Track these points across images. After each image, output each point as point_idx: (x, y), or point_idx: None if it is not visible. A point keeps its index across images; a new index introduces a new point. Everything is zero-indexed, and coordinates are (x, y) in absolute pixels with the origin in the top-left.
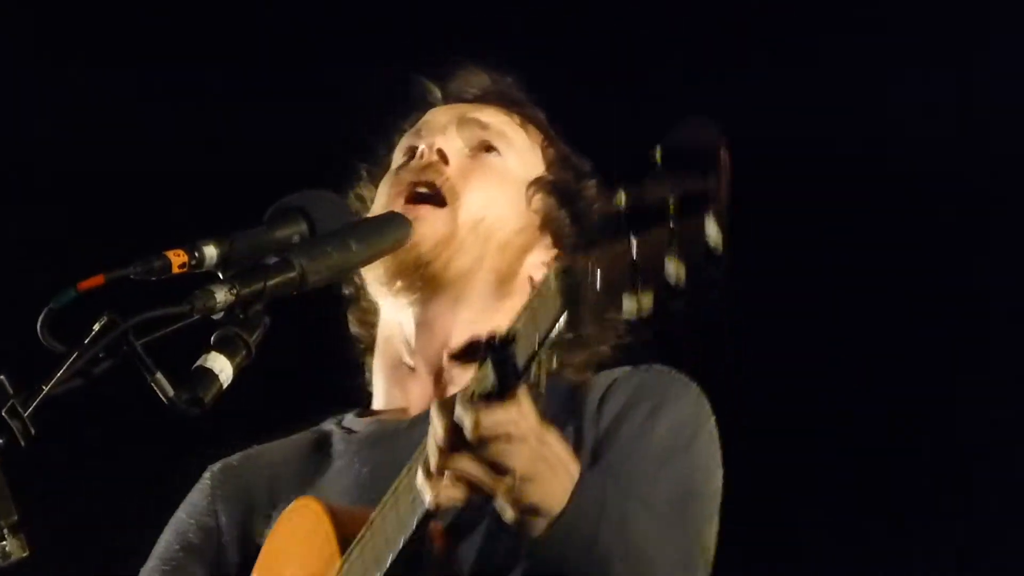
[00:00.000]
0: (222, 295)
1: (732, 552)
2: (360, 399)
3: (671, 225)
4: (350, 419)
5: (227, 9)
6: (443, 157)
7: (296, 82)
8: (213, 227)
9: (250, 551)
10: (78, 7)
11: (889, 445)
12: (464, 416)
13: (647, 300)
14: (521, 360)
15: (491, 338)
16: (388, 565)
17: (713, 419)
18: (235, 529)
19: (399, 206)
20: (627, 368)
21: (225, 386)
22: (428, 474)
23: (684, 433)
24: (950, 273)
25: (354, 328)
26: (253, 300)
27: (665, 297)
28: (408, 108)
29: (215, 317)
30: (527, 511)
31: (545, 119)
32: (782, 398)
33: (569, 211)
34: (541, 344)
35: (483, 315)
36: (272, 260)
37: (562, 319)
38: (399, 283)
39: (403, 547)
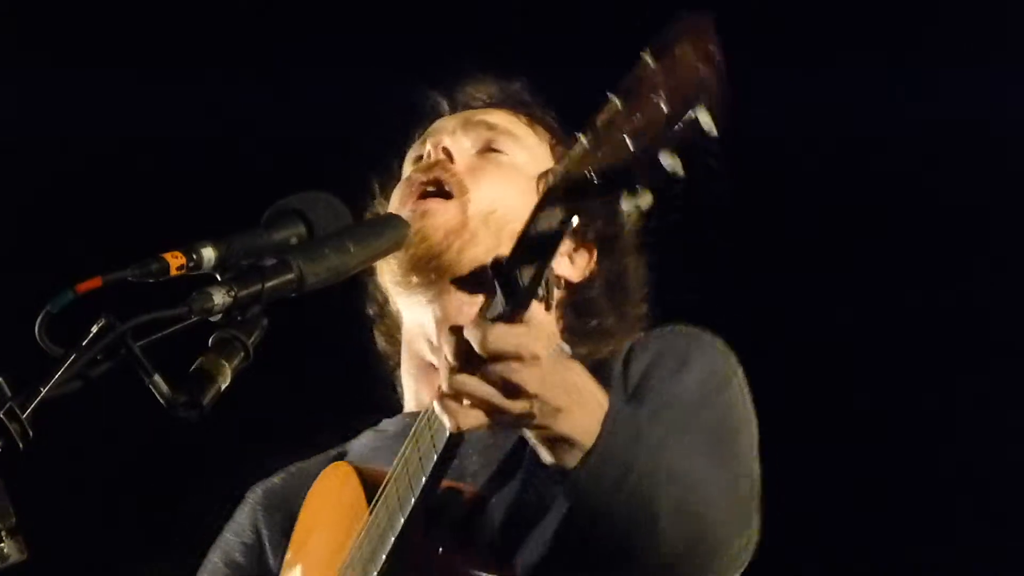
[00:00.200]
0: (220, 297)
1: None
2: (395, 412)
3: (665, 118)
4: (384, 423)
5: (227, 9)
6: (448, 155)
7: (296, 82)
8: (211, 229)
9: None
10: (78, 7)
11: (889, 445)
12: (472, 334)
13: (646, 198)
14: (526, 279)
15: (496, 260)
16: (411, 507)
17: (741, 371)
18: (278, 545)
19: (409, 207)
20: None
21: (223, 388)
22: (443, 398)
23: (714, 380)
24: (950, 273)
25: (381, 345)
26: (251, 302)
27: (665, 192)
28: (417, 119)
29: (213, 319)
30: (558, 442)
31: (555, 121)
32: (782, 398)
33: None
34: (547, 260)
35: None
36: (270, 262)
37: (565, 226)
38: (415, 278)
39: (427, 481)
